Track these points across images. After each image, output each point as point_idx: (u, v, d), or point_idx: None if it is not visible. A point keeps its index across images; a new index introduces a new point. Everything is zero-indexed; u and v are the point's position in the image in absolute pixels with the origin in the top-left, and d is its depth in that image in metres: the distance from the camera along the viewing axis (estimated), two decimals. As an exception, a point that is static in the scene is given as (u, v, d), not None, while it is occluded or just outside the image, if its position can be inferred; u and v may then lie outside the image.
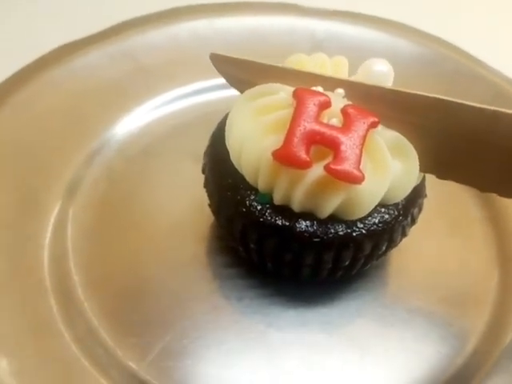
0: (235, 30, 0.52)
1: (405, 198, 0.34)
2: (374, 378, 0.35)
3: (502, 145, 0.32)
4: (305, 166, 0.31)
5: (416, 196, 0.35)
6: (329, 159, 0.31)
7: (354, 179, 0.31)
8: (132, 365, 0.34)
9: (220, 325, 0.36)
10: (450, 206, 0.44)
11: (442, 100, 0.32)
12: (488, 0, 0.65)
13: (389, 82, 0.35)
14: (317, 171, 0.31)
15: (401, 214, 0.34)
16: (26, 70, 0.46)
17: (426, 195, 0.36)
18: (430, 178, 0.36)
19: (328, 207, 0.32)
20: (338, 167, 0.30)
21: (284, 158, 0.31)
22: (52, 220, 0.40)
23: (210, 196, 0.37)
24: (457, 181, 0.35)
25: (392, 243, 0.35)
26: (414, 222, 0.36)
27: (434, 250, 0.41)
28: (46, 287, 0.36)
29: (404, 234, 0.35)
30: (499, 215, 0.43)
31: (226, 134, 0.35)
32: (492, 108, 0.32)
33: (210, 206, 0.37)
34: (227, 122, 0.35)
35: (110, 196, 0.42)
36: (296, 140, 0.31)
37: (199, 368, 0.34)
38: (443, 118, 0.33)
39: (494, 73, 0.50)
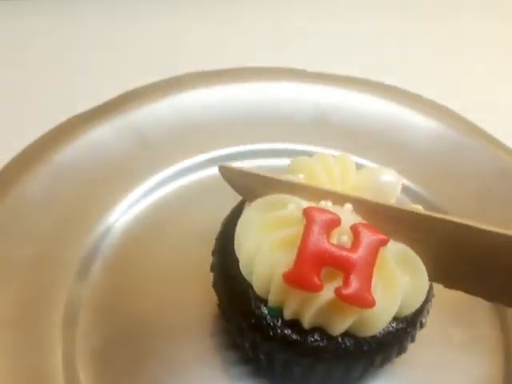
0: (241, 97, 0.53)
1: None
2: None
3: (504, 263, 0.33)
4: (316, 289, 0.31)
5: (424, 304, 0.35)
6: (339, 280, 0.31)
7: (366, 304, 0.31)
8: None
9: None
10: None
11: (446, 221, 0.33)
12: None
13: (396, 192, 0.35)
14: (328, 294, 0.31)
15: (410, 325, 0.34)
16: (25, 152, 0.46)
17: (433, 295, 0.37)
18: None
19: (339, 328, 0.32)
20: (349, 292, 0.31)
21: (295, 281, 0.31)
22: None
23: (218, 297, 0.37)
24: (464, 291, 0.35)
25: (401, 352, 0.36)
26: (422, 327, 0.36)
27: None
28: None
29: (413, 341, 0.36)
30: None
31: (236, 243, 0.35)
32: (495, 230, 0.32)
33: (218, 305, 0.37)
34: (237, 230, 0.35)
35: (114, 283, 0.42)
36: (306, 262, 0.31)
37: None
38: (447, 237, 0.33)
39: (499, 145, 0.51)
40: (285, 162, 0.49)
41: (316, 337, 0.33)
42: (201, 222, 0.45)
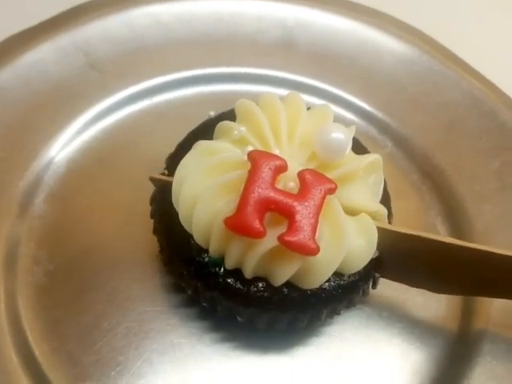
0: (199, 15, 0.48)
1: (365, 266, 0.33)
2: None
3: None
4: (258, 235, 0.30)
5: (378, 260, 0.34)
6: (283, 227, 0.30)
7: (309, 251, 0.30)
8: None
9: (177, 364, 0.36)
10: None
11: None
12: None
13: (345, 150, 0.33)
14: (270, 241, 0.30)
15: (360, 280, 0.33)
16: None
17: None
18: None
19: (281, 277, 0.31)
20: (292, 238, 0.29)
21: (237, 226, 0.30)
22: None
23: (159, 244, 0.35)
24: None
25: (350, 306, 0.35)
26: (375, 283, 0.35)
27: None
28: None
29: (365, 295, 0.35)
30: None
31: (174, 191, 0.33)
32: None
33: (159, 250, 0.36)
34: (175, 177, 0.33)
35: (57, 217, 0.40)
36: (249, 208, 0.29)
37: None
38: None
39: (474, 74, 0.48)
40: (244, 87, 0.48)
41: (260, 287, 0.32)
42: (150, 154, 0.42)
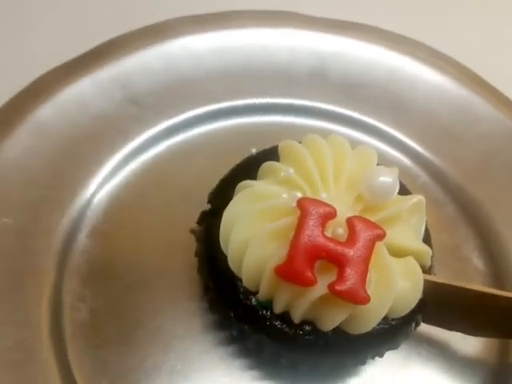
0: (232, 45, 0.48)
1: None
2: None
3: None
4: (309, 284, 0.30)
5: (420, 304, 0.34)
6: (333, 275, 0.30)
7: (360, 300, 0.30)
8: None
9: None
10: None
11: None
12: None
13: (393, 193, 0.33)
14: (321, 289, 0.30)
15: (404, 323, 0.33)
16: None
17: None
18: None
19: (330, 323, 0.31)
20: (343, 288, 0.30)
21: (288, 275, 0.30)
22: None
23: (204, 284, 0.36)
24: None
25: (393, 348, 0.35)
26: (418, 325, 0.35)
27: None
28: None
29: (407, 338, 0.35)
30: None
31: (222, 236, 0.33)
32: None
33: (204, 291, 0.36)
34: (223, 222, 0.33)
35: (100, 253, 0.40)
36: (300, 256, 0.30)
37: None
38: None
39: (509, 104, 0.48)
40: (278, 118, 0.48)
41: (306, 331, 0.32)
42: (189, 187, 0.42)
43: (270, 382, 0.37)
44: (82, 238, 0.41)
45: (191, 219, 0.37)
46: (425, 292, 0.33)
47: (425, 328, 0.37)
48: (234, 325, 0.34)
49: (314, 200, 0.31)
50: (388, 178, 0.32)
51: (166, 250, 0.40)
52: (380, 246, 0.31)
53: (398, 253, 0.33)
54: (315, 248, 0.30)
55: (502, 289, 0.40)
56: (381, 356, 0.35)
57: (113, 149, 0.44)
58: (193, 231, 0.37)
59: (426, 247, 0.35)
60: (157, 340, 0.37)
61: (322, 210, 0.31)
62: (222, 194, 0.35)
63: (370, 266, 0.30)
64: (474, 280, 0.41)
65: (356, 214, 0.32)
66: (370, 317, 0.31)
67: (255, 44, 0.48)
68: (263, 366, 0.37)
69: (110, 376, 0.36)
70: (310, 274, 0.30)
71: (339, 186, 0.34)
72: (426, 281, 0.33)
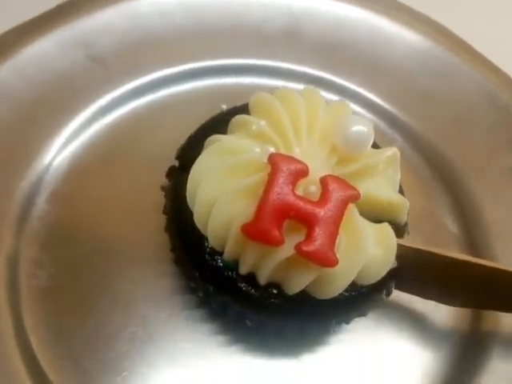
0: (202, 4, 0.46)
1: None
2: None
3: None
4: (276, 244, 0.29)
5: (392, 271, 0.32)
6: (302, 235, 0.29)
7: (327, 263, 0.29)
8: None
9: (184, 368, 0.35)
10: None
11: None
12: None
13: (368, 144, 0.32)
14: (288, 249, 0.29)
15: (375, 291, 0.32)
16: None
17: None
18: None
19: (296, 286, 0.30)
20: (310, 249, 0.28)
21: (254, 234, 0.29)
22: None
23: (171, 242, 0.34)
24: None
25: (361, 316, 0.34)
26: (389, 292, 0.34)
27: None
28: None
29: (377, 305, 0.34)
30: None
31: (189, 192, 0.32)
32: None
33: (170, 249, 0.35)
34: (190, 177, 0.31)
35: (61, 217, 0.38)
36: (268, 215, 0.28)
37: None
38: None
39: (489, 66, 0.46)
40: (249, 80, 0.46)
41: (272, 294, 0.31)
42: (156, 149, 0.41)
43: (236, 347, 0.36)
44: (42, 202, 0.39)
45: (159, 180, 0.36)
46: (398, 258, 0.32)
47: (397, 295, 0.36)
48: (199, 286, 0.33)
49: (286, 156, 0.30)
50: (363, 128, 0.31)
51: (132, 212, 0.39)
52: (352, 209, 0.30)
53: (374, 205, 0.32)
54: (284, 206, 0.28)
55: (476, 254, 0.40)
56: (347, 323, 0.34)
57: (75, 110, 0.42)
58: (163, 188, 0.35)
59: (403, 199, 0.33)
60: (118, 305, 0.36)
61: (293, 167, 0.29)
62: (191, 150, 0.34)
63: (340, 228, 0.29)
64: (448, 245, 0.40)
65: (330, 169, 0.31)
66: (337, 281, 0.30)
67: (226, 0, 0.46)
68: (228, 331, 0.36)
69: (68, 342, 0.35)
70: (277, 233, 0.28)
71: (313, 137, 0.32)
72: (400, 246, 0.32)
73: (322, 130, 0.32)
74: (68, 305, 0.36)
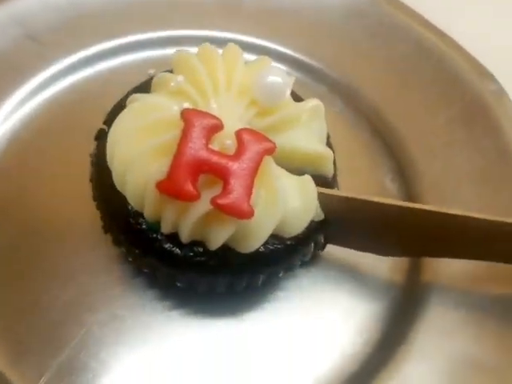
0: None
1: (306, 229, 0.32)
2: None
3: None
4: (191, 198, 0.29)
5: (320, 224, 0.33)
6: (219, 190, 0.29)
7: (243, 215, 0.29)
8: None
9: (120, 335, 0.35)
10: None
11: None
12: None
13: (284, 93, 0.32)
14: (205, 205, 0.29)
15: (301, 243, 0.32)
16: None
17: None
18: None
19: (216, 241, 0.30)
20: (225, 201, 0.28)
21: (169, 190, 0.29)
22: None
23: (99, 210, 0.34)
24: None
25: (289, 270, 0.34)
26: (319, 245, 0.34)
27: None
28: None
29: (307, 258, 0.34)
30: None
31: (108, 152, 0.32)
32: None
33: (100, 217, 0.35)
34: (109, 138, 0.32)
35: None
36: (181, 170, 0.28)
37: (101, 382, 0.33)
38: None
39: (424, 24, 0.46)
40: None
41: (197, 251, 0.31)
42: (93, 123, 0.40)
43: (173, 311, 0.36)
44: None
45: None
46: (327, 210, 0.32)
47: (333, 250, 0.36)
48: (127, 250, 0.33)
49: (199, 111, 0.30)
50: (277, 78, 0.31)
51: (67, 182, 0.39)
52: (269, 161, 0.30)
53: (296, 157, 0.32)
54: (197, 161, 0.28)
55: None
56: (277, 276, 0.34)
57: (12, 87, 0.42)
58: (91, 155, 0.35)
59: (327, 150, 0.33)
60: (55, 275, 0.36)
61: (206, 121, 0.29)
62: (116, 114, 0.34)
63: (257, 181, 0.29)
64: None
65: (247, 123, 0.31)
66: (256, 234, 0.30)
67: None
68: (167, 297, 0.36)
69: (4, 314, 0.35)
70: (190, 188, 0.28)
71: (231, 91, 0.32)
72: (329, 197, 0.32)
73: (241, 84, 0.32)
74: (4, 280, 0.36)
